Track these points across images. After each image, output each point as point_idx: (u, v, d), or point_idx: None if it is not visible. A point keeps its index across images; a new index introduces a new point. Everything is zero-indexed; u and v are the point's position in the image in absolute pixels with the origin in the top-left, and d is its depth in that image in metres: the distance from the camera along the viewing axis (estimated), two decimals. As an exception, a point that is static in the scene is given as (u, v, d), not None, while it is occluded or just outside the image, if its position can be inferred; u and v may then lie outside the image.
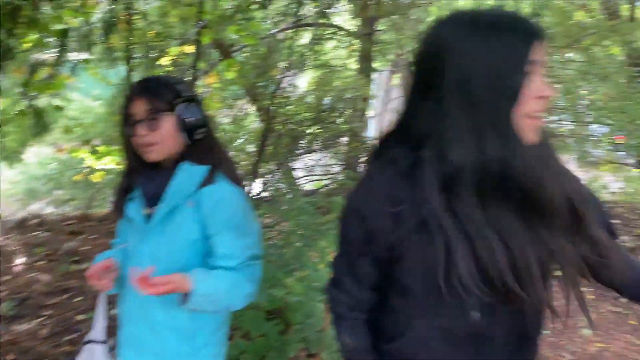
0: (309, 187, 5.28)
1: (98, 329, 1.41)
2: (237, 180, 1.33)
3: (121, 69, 3.91)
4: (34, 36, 2.87)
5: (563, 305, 0.97)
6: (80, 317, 3.21)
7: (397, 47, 6.58)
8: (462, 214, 0.89)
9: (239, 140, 5.06)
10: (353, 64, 6.48)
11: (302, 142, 5.15)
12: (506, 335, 0.99)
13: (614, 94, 4.73)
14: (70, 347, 2.86)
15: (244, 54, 5.15)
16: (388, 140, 1.01)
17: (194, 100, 1.32)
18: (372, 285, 1.05)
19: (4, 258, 4.01)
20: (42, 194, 7.21)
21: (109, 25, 3.28)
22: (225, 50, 4.63)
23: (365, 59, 6.22)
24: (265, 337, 2.18)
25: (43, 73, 3.07)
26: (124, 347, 1.42)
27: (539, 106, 0.89)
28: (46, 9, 2.85)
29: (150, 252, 1.31)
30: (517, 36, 0.87)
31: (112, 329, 1.45)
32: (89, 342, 1.41)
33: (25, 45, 2.90)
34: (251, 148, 4.82)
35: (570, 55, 5.59)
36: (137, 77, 3.54)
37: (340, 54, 6.44)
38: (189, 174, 1.28)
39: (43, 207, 6.61)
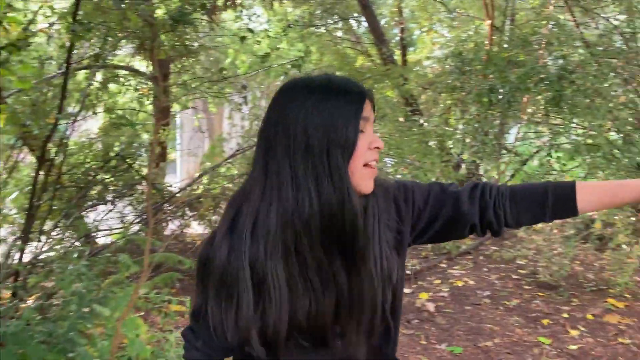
0: (104, 241, 4.84)
1: None
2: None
3: None
4: None
5: None
6: None
7: (195, 89, 6.50)
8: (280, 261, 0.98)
9: (13, 195, 4.44)
10: (147, 107, 6.20)
11: (91, 192, 4.72)
12: None
13: (393, 131, 5.18)
14: None
15: (18, 99, 4.59)
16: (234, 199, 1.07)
17: None
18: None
19: None
20: None
21: None
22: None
23: (161, 102, 6.00)
24: None
25: None
26: None
27: (373, 156, 1.02)
28: None
29: None
30: (349, 96, 0.99)
31: None
32: None
33: None
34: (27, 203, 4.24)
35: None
36: None
37: (133, 96, 6.13)
38: None
39: None
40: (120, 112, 5.53)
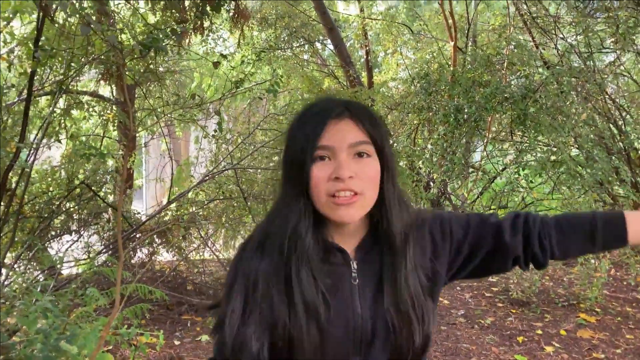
0: (69, 272, 4.66)
1: None
2: None
3: None
4: None
5: None
6: None
7: (161, 113, 6.41)
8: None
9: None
10: (112, 133, 6.08)
11: (54, 222, 4.55)
12: None
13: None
14: None
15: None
16: None
17: None
18: None
19: None
20: None
21: None
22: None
23: (129, 128, 5.89)
24: None
25: None
26: None
27: (335, 187, 0.94)
28: None
29: None
30: (308, 124, 0.96)
31: None
32: None
33: None
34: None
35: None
36: None
37: (97, 122, 6.00)
38: None
39: None
40: (84, 139, 5.39)
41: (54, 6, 2.47)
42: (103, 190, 5.10)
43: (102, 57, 3.85)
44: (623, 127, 6.36)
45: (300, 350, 0.94)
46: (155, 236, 4.91)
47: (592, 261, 4.71)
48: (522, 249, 1.04)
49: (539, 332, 4.05)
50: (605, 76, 6.36)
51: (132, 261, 5.00)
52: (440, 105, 5.33)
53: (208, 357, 1.14)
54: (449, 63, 6.56)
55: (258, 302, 0.95)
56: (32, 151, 4.16)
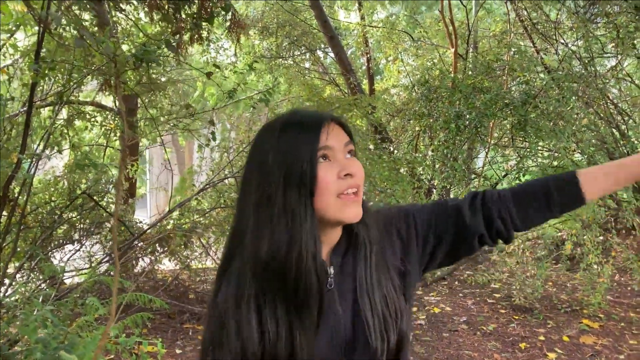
0: (71, 281, 4.68)
1: None
2: None
3: None
4: None
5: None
6: None
7: (163, 123, 6.45)
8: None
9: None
10: (115, 143, 6.12)
11: (57, 232, 4.57)
12: None
13: (363, 159, 5.20)
14: None
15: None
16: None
17: None
18: None
19: None
20: None
21: None
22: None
23: (127, 137, 5.91)
24: None
25: None
26: None
27: (346, 184, 0.94)
28: None
29: None
30: (305, 127, 0.94)
31: None
32: None
33: None
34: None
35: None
36: None
37: (99, 132, 6.03)
38: None
39: None
40: (87, 149, 5.42)
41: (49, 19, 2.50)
42: (105, 199, 5.12)
43: (103, 67, 3.89)
44: (626, 131, 6.36)
45: None
46: (157, 245, 4.93)
47: (595, 267, 4.69)
48: (484, 227, 1.05)
49: (542, 338, 4.02)
50: (607, 81, 6.37)
51: (135, 270, 5.02)
52: (441, 111, 5.34)
53: None
54: (450, 70, 6.58)
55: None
56: (33, 162, 4.20)
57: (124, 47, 4.54)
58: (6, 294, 3.39)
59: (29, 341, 2.44)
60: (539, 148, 5.17)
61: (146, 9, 4.03)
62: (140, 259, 4.79)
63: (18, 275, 4.08)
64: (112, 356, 3.47)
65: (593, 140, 5.63)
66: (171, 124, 5.37)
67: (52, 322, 2.37)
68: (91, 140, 6.15)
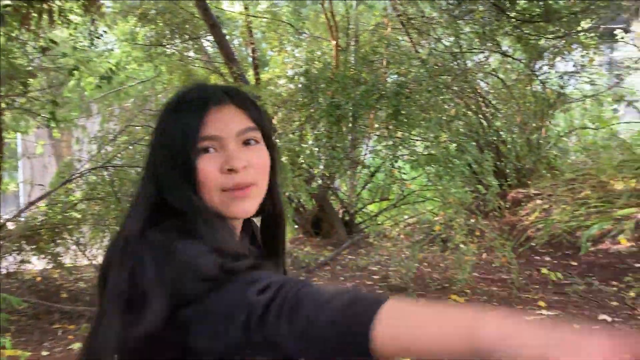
0: None
1: None
2: None
3: None
4: None
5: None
6: None
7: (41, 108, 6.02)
8: None
9: None
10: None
11: None
12: None
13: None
14: None
15: None
16: None
17: None
18: None
19: None
20: None
21: None
22: None
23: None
24: None
25: None
26: None
27: (231, 181, 0.85)
28: None
29: None
30: (188, 111, 0.85)
31: None
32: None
33: None
34: None
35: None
36: None
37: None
38: None
39: None
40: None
41: None
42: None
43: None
44: (493, 122, 6.92)
45: None
46: (25, 243, 4.61)
47: (462, 246, 5.05)
48: None
49: (413, 315, 4.27)
50: (474, 75, 6.86)
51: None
52: (321, 102, 5.47)
53: None
54: (332, 62, 6.73)
55: None
56: None
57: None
58: None
59: None
60: (413, 137, 5.45)
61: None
62: (3, 259, 4.45)
63: None
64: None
65: (462, 130, 6.05)
66: (37, 113, 5.02)
67: None
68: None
